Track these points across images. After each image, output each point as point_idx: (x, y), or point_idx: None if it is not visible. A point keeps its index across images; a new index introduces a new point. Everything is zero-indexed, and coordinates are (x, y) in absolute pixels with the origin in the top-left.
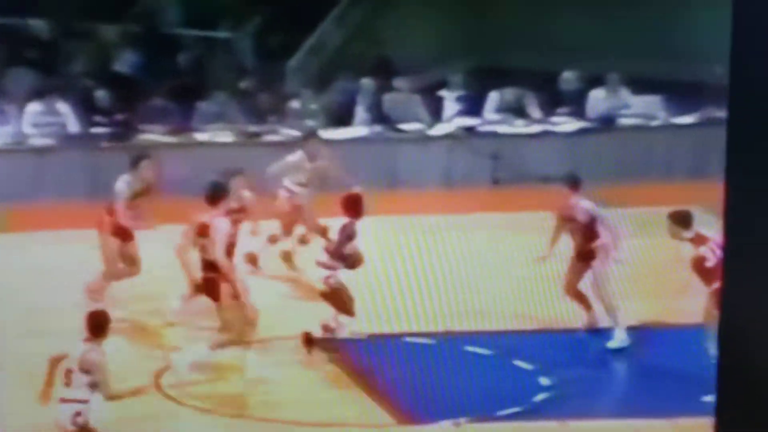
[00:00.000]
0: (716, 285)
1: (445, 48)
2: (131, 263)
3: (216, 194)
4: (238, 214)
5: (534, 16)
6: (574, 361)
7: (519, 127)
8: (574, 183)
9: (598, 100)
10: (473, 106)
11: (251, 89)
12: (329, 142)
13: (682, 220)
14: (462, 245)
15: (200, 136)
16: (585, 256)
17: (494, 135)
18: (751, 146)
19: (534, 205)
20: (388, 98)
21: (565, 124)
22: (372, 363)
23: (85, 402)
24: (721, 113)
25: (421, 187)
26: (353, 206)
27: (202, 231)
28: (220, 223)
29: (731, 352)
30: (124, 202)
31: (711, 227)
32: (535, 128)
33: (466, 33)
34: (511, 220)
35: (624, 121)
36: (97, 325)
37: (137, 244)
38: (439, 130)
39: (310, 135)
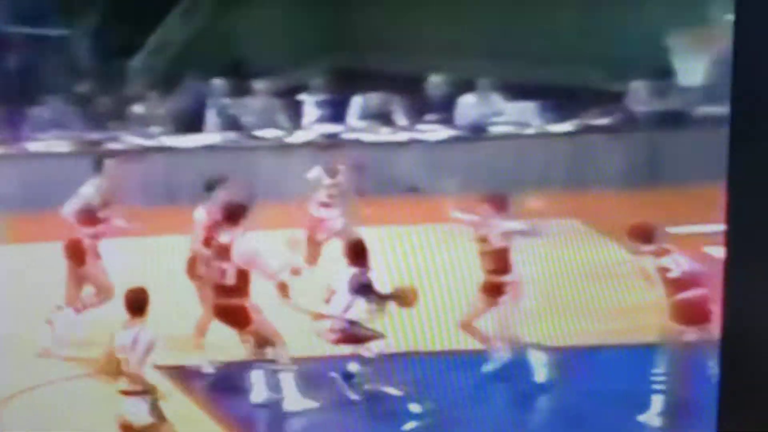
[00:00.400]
0: (680, 296)
1: (305, 47)
2: (100, 288)
3: (238, 212)
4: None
5: (400, 16)
6: (449, 385)
7: (385, 134)
8: (499, 201)
9: (468, 106)
10: (336, 111)
11: (89, 93)
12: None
13: (641, 235)
14: (324, 261)
15: (33, 147)
16: (493, 290)
17: (359, 143)
18: (753, 149)
19: (401, 217)
20: (242, 102)
21: (433, 131)
22: (225, 393)
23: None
24: (599, 121)
25: (280, 199)
26: (359, 255)
27: (221, 254)
28: (244, 245)
29: (733, 359)
30: (88, 212)
31: (590, 239)
32: (402, 136)
33: (327, 31)
34: (376, 233)
35: (496, 129)
36: (138, 301)
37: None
38: (299, 137)
39: (330, 147)
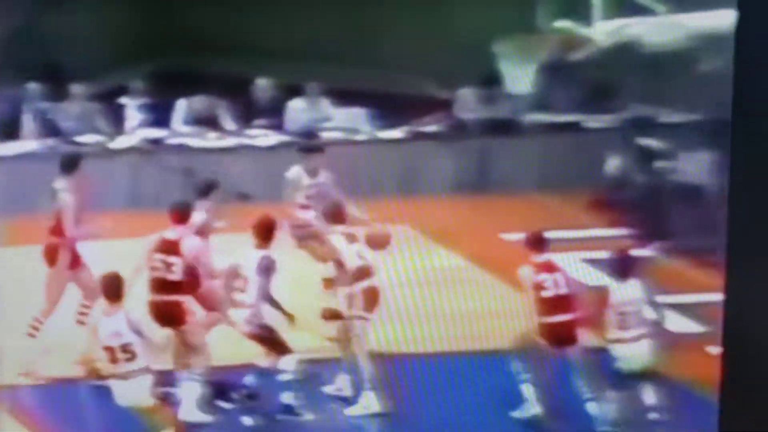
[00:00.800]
0: (550, 319)
1: (125, 49)
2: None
3: (186, 210)
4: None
5: (224, 16)
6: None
7: (212, 140)
8: (332, 215)
9: (297, 111)
10: (160, 115)
11: None
12: None
13: (533, 243)
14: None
15: None
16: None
17: (185, 149)
18: (753, 150)
19: (230, 227)
20: (60, 107)
21: (262, 137)
22: (50, 411)
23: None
24: (428, 128)
25: (103, 208)
26: (268, 234)
27: (167, 249)
28: (193, 241)
29: (733, 360)
30: (71, 216)
31: (420, 245)
32: (230, 141)
33: (148, 32)
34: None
35: (326, 135)
36: (115, 286)
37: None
38: (121, 143)
39: (312, 149)
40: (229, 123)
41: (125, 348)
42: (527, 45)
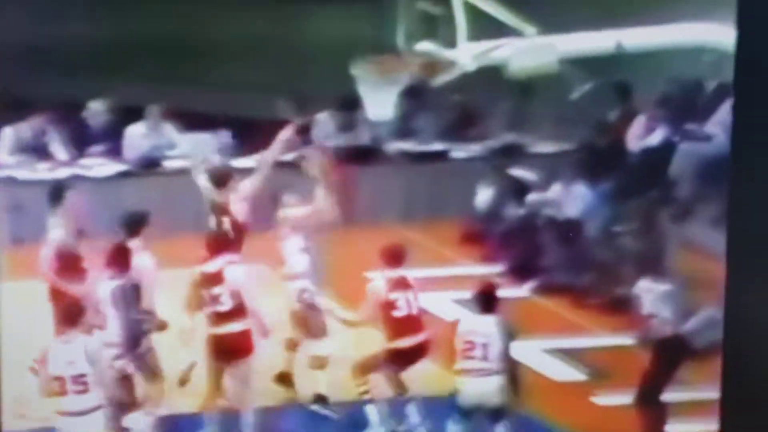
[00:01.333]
0: (404, 342)
1: None
2: None
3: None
4: None
5: (50, 28)
6: None
7: (42, 171)
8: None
9: (136, 137)
10: None
11: None
12: None
13: (388, 256)
14: None
15: None
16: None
17: (12, 181)
18: (755, 153)
19: None
20: None
21: (99, 166)
22: None
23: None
24: (284, 156)
25: None
26: (121, 260)
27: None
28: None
29: (734, 361)
30: (64, 252)
31: (275, 286)
32: (63, 172)
33: None
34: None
35: (171, 164)
36: (75, 312)
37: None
38: None
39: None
40: (60, 151)
41: (77, 379)
42: (388, 68)
